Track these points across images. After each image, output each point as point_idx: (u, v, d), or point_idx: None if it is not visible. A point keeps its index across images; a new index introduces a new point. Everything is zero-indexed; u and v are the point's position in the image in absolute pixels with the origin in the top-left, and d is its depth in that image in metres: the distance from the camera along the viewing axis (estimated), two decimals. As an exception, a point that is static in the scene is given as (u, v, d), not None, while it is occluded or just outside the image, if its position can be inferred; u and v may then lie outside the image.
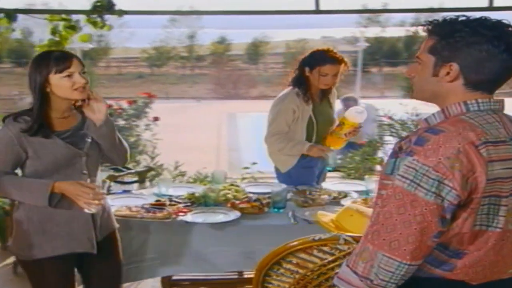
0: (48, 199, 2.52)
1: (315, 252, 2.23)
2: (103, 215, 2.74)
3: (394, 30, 30.13)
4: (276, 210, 3.39)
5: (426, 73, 1.74)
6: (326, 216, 2.59)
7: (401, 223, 1.58)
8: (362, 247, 1.66)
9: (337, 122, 3.95)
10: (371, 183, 3.69)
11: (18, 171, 2.65)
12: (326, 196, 3.52)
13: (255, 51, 33.37)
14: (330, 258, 2.20)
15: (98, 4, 4.79)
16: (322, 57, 3.80)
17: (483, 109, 1.68)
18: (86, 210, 2.54)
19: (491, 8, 4.78)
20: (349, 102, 6.69)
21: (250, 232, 3.21)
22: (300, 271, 2.27)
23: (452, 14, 1.72)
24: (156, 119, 7.21)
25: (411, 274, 1.63)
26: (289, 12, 5.47)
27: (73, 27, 4.90)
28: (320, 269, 2.23)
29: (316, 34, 33.61)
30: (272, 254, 2.29)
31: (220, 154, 10.60)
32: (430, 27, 1.75)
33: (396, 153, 1.68)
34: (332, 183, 3.99)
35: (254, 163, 5.47)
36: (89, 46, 14.50)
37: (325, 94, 3.99)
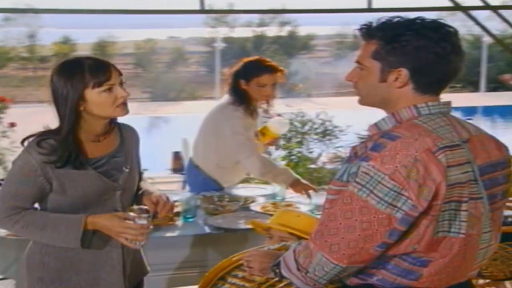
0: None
1: (262, 264, 2.13)
2: (134, 258, 2.25)
3: (241, 30, 30.67)
4: (186, 219, 3.24)
5: (372, 79, 1.71)
6: (262, 222, 2.52)
7: (345, 228, 1.58)
8: (306, 243, 1.68)
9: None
10: (276, 187, 3.66)
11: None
12: (235, 202, 3.44)
13: (102, 51, 32.34)
14: (278, 269, 2.12)
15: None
16: (257, 68, 3.56)
17: (433, 112, 1.68)
18: (131, 246, 2.13)
19: (369, 9, 4.90)
20: None
21: (164, 244, 3.05)
22: (247, 285, 2.18)
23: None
24: (12, 125, 6.63)
25: (347, 274, 1.66)
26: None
27: None
28: (268, 281, 2.15)
29: (162, 34, 33.31)
30: (217, 268, 2.18)
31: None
32: (366, 30, 1.72)
33: (350, 159, 1.66)
34: (235, 188, 3.90)
35: (145, 170, 5.21)
36: None
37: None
